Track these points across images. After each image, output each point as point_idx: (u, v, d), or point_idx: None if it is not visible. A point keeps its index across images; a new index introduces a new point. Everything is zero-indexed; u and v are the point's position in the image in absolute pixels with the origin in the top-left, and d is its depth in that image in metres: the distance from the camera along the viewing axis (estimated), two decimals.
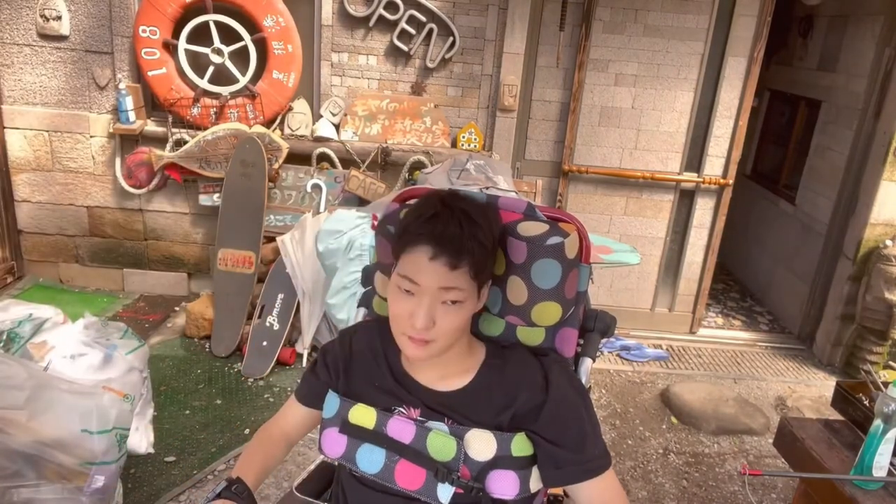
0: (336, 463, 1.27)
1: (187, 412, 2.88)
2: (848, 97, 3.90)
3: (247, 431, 2.78)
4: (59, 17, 3.45)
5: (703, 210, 3.92)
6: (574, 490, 1.09)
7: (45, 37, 3.52)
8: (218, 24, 3.46)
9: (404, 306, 1.04)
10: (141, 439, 2.44)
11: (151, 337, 3.48)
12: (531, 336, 1.22)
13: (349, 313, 2.95)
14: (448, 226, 1.00)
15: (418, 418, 1.12)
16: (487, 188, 3.00)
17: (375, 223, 2.30)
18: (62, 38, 3.52)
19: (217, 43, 3.48)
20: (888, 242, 3.64)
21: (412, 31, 3.55)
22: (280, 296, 3.38)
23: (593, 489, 1.07)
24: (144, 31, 3.42)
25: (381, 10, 3.49)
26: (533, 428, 1.09)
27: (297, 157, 3.63)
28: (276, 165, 3.54)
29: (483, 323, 1.25)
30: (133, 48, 3.50)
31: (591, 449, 1.08)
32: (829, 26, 4.23)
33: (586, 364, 1.28)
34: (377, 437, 1.12)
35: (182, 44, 3.46)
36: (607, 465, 1.09)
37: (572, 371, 1.22)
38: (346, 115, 3.69)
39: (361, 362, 1.20)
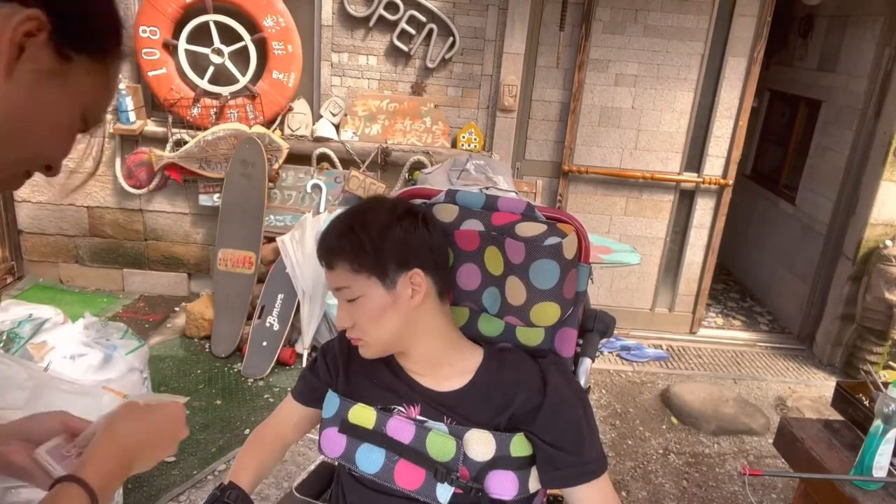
0: (336, 463, 1.27)
1: (187, 412, 2.87)
2: (848, 97, 3.90)
3: (246, 432, 2.78)
4: None
5: (703, 210, 3.92)
6: (569, 493, 1.09)
7: None
8: (218, 24, 3.46)
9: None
10: None
11: (151, 337, 3.48)
12: (530, 336, 1.22)
13: None
14: (325, 235, 1.11)
15: (418, 418, 1.13)
16: (487, 188, 3.00)
17: None
18: None
19: (217, 43, 3.49)
20: (888, 242, 3.64)
21: (412, 31, 3.55)
22: (280, 296, 3.38)
23: (589, 493, 1.07)
24: (144, 31, 3.42)
25: (381, 11, 3.49)
26: (531, 429, 1.09)
27: (297, 158, 3.63)
28: (276, 165, 3.54)
29: (482, 323, 1.25)
30: (133, 48, 3.50)
31: (588, 451, 1.08)
32: (829, 26, 4.23)
33: (585, 364, 1.28)
34: (376, 436, 1.12)
35: (182, 44, 3.46)
36: (604, 469, 1.09)
37: (571, 373, 1.22)
38: (346, 115, 3.69)
39: (361, 362, 1.20)
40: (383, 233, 1.06)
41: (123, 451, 0.77)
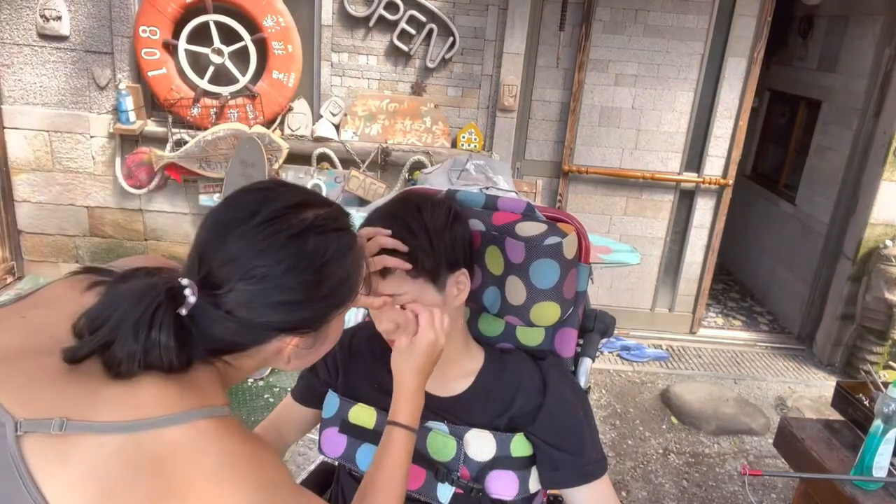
0: (336, 463, 1.27)
1: None
2: (848, 97, 3.90)
3: None
4: (59, 17, 3.45)
5: (703, 210, 3.92)
6: (569, 494, 1.09)
7: (45, 37, 3.52)
8: (218, 24, 3.46)
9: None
10: None
11: None
12: (530, 336, 1.22)
13: (349, 313, 2.94)
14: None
15: None
16: (487, 188, 3.00)
17: None
18: (62, 38, 3.52)
19: (217, 43, 3.48)
20: (888, 242, 3.64)
21: (412, 31, 3.55)
22: None
23: (588, 494, 1.07)
24: (144, 31, 3.42)
25: (381, 11, 3.49)
26: (531, 429, 1.09)
27: (297, 158, 3.63)
28: (276, 165, 3.54)
29: (483, 323, 1.25)
30: (133, 48, 3.50)
31: (588, 452, 1.08)
32: (829, 26, 4.23)
33: (586, 364, 1.28)
34: (377, 436, 1.11)
35: (182, 44, 3.46)
36: (604, 470, 1.09)
37: (571, 375, 1.22)
38: (346, 115, 3.69)
39: (361, 363, 1.20)
40: (439, 235, 1.02)
41: (419, 385, 1.02)
